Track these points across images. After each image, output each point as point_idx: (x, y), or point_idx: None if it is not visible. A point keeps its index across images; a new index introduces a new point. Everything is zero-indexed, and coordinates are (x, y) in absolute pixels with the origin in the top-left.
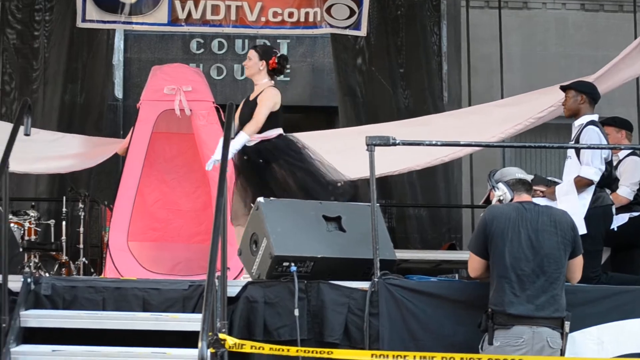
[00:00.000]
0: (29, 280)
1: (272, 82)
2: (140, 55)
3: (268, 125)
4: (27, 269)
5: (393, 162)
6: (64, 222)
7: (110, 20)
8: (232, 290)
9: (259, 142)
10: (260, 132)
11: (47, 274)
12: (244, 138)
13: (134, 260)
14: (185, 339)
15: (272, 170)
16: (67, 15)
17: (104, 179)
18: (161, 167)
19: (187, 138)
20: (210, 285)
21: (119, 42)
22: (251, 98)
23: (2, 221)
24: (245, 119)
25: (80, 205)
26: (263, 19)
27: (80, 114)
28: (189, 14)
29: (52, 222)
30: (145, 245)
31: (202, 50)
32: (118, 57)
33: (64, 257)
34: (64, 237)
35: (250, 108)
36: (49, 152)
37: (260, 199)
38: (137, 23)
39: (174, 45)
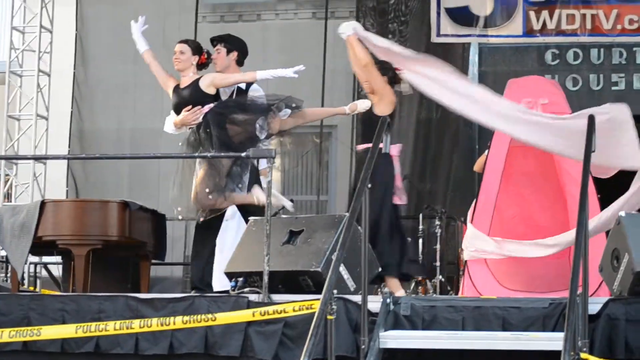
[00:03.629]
0: (388, 300)
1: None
2: (495, 68)
3: (210, 99)
4: (386, 290)
5: None
6: (420, 240)
7: (465, 34)
8: (593, 308)
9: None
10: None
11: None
12: None
13: (491, 278)
14: (546, 359)
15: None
16: (422, 30)
17: (459, 195)
18: (519, 182)
19: (544, 151)
20: (573, 303)
21: (473, 56)
22: (182, 86)
23: (363, 242)
24: (181, 108)
25: (437, 222)
26: (619, 26)
27: (437, 130)
28: (544, 24)
29: (408, 239)
30: (503, 262)
31: (557, 61)
32: (473, 71)
33: (421, 275)
34: (420, 255)
35: (188, 94)
36: None
37: (622, 214)
38: (492, 36)
39: (529, 57)
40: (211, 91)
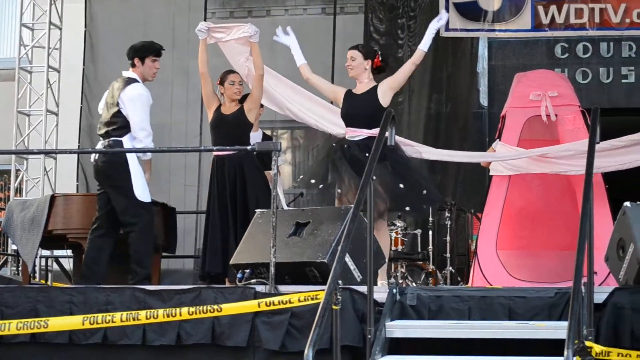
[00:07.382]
0: (394, 290)
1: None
2: (504, 62)
3: (381, 112)
4: (392, 280)
5: None
6: (430, 232)
7: (474, 29)
8: (599, 297)
9: (367, 138)
10: (370, 128)
11: (414, 284)
12: None
13: (502, 268)
14: (552, 348)
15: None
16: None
17: (469, 187)
18: (528, 175)
19: (553, 144)
20: (577, 292)
21: (482, 50)
22: (358, 92)
23: (368, 233)
24: (357, 112)
25: (447, 214)
26: (627, 20)
27: (446, 124)
28: (552, 18)
29: (418, 231)
30: (513, 253)
31: (566, 54)
32: (482, 65)
33: (431, 267)
34: (430, 247)
35: (362, 101)
36: None
37: (627, 204)
38: (500, 30)
39: (538, 51)
40: (386, 101)
